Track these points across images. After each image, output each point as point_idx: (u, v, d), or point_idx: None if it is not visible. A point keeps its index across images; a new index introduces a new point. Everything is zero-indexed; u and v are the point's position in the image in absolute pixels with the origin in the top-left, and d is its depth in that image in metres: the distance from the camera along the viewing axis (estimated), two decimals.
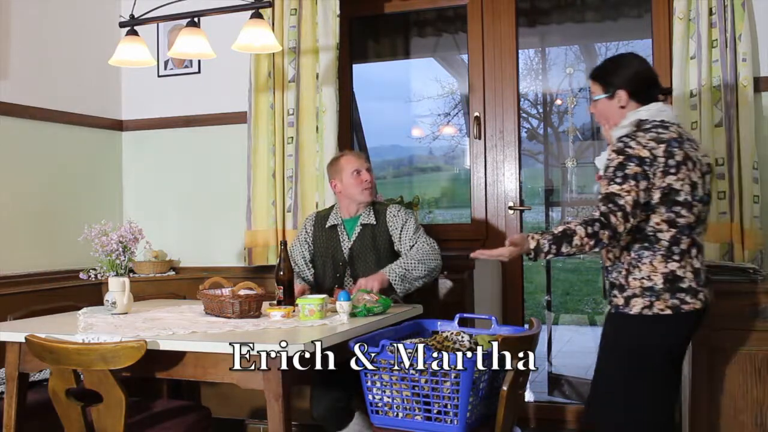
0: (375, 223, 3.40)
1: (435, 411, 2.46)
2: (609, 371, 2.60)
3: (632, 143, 2.45)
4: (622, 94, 2.59)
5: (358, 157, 3.49)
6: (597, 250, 2.48)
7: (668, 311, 2.46)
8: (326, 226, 3.47)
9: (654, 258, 2.48)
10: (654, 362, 2.52)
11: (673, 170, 2.43)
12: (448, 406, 2.44)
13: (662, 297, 2.47)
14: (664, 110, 2.56)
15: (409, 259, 3.25)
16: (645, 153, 2.42)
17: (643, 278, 2.49)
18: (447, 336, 2.65)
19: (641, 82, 2.60)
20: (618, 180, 2.41)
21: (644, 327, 2.50)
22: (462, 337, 2.63)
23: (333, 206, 3.56)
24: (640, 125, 2.53)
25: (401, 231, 3.37)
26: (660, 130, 2.49)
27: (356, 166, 3.41)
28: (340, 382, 3.04)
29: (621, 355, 2.55)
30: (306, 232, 3.52)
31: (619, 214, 2.39)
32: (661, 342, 2.51)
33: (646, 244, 2.49)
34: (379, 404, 2.56)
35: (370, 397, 2.57)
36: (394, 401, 2.53)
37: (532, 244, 2.44)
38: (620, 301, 2.53)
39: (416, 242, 3.34)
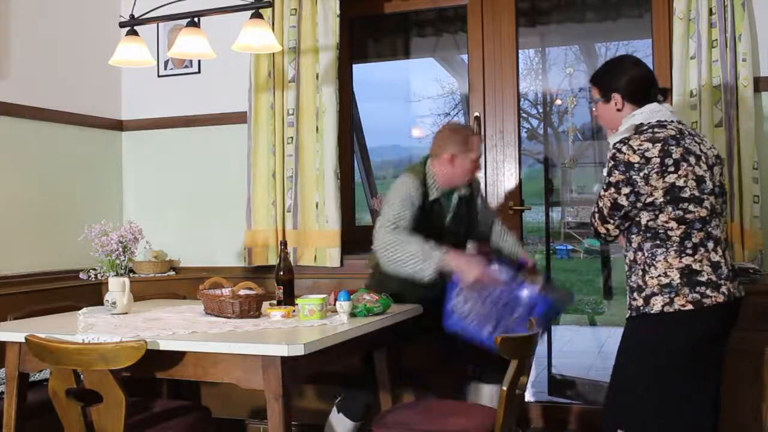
0: (469, 194, 3.36)
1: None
2: (631, 373, 2.54)
3: (624, 148, 2.46)
4: (617, 98, 2.60)
5: (480, 143, 3.35)
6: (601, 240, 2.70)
7: (690, 306, 2.42)
8: (430, 199, 3.22)
9: (668, 254, 2.46)
10: (678, 362, 2.47)
11: (671, 168, 2.43)
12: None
13: (681, 292, 2.43)
14: (659, 110, 2.55)
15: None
16: (635, 158, 2.43)
17: (660, 275, 2.46)
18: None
19: (636, 84, 2.60)
20: (605, 186, 2.53)
21: (666, 326, 2.45)
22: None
23: (424, 172, 3.24)
24: (637, 129, 2.54)
25: (481, 204, 3.52)
26: (656, 130, 2.49)
27: (479, 154, 3.27)
28: (366, 382, 3.20)
29: (645, 356, 2.50)
30: (415, 197, 3.18)
31: (596, 215, 2.58)
32: (684, 342, 2.46)
33: (657, 242, 2.48)
34: (459, 308, 2.93)
35: (451, 305, 2.94)
36: (472, 311, 2.91)
37: None
38: (640, 302, 2.50)
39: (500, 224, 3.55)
